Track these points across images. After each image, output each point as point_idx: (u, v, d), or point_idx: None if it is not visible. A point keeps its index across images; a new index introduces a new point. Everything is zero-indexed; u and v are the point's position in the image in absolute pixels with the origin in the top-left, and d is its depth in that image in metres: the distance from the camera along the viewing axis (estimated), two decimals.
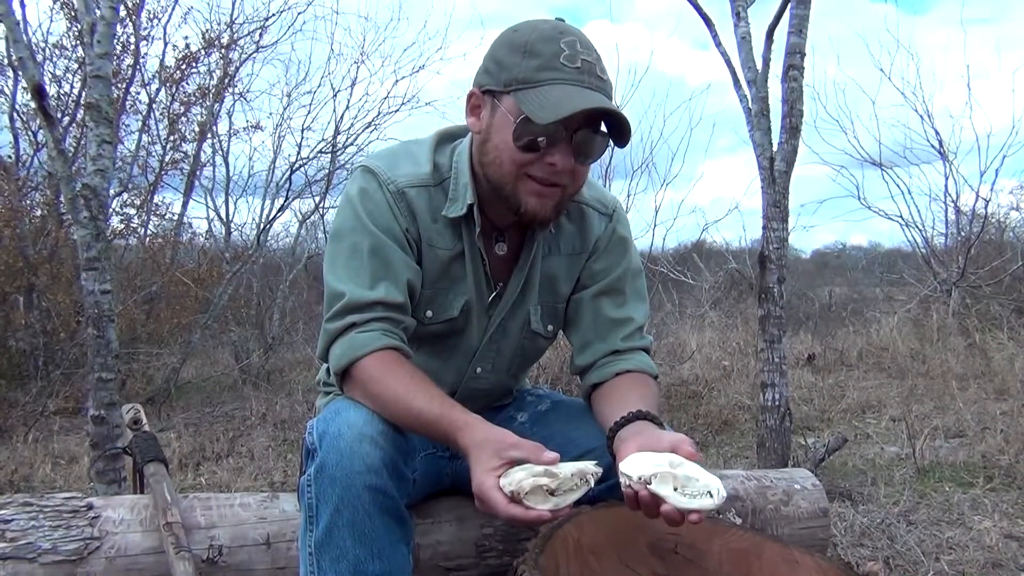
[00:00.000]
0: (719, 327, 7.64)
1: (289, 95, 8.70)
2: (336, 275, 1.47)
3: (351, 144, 8.57)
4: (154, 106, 7.80)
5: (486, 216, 1.52)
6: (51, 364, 5.88)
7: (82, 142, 6.23)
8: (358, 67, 8.65)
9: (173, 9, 7.75)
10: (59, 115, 6.70)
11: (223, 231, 8.93)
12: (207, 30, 8.00)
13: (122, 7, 6.42)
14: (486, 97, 1.44)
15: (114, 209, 7.20)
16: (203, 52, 7.92)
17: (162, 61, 7.84)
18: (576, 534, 1.28)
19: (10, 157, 7.11)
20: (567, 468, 1.22)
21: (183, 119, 8.01)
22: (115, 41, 5.84)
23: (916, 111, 8.25)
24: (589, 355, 1.62)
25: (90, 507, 1.56)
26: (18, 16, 5.46)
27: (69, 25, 7.04)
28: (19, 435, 4.67)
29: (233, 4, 9.12)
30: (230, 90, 8.30)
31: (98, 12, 2.81)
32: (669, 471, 1.18)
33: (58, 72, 7.14)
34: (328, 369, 1.55)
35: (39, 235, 6.27)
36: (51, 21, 9.29)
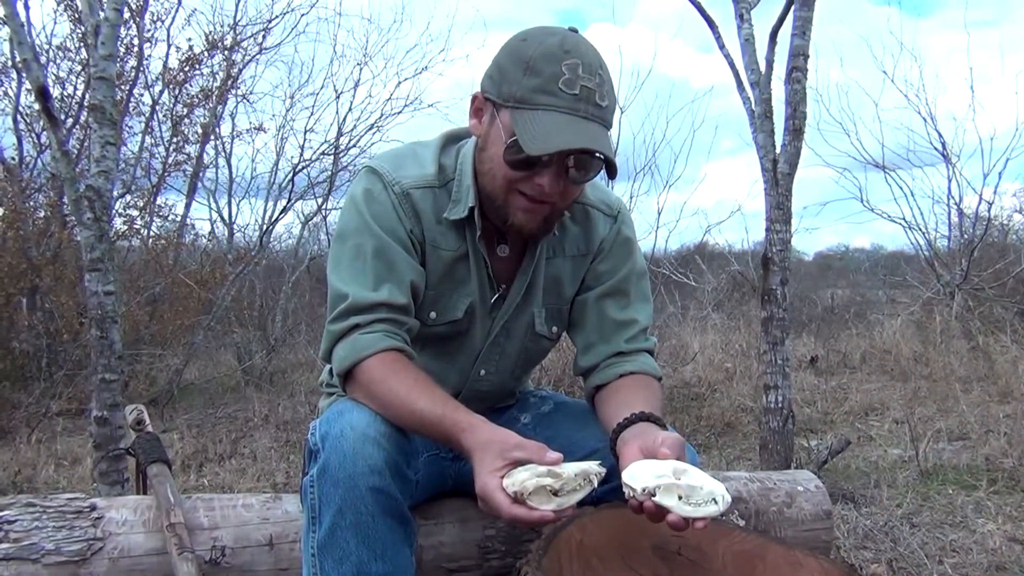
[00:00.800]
0: (722, 329, 7.63)
1: (292, 97, 8.72)
2: (340, 276, 1.47)
3: (354, 146, 8.59)
4: (157, 108, 7.81)
5: (488, 218, 1.52)
6: (54, 365, 5.89)
7: (86, 144, 6.23)
8: (361, 69, 8.65)
9: (177, 11, 7.77)
10: (63, 117, 6.71)
11: (226, 233, 8.95)
12: (210, 32, 8.03)
13: (126, 9, 6.42)
14: (488, 104, 1.44)
15: (117, 211, 7.21)
16: (206, 54, 7.93)
17: (165, 63, 7.86)
18: (579, 535, 1.28)
19: (14, 159, 7.12)
20: (570, 468, 1.22)
21: (186, 121, 8.02)
22: (119, 43, 5.85)
23: (919, 113, 8.25)
24: (593, 357, 1.62)
25: (93, 508, 1.56)
26: (22, 18, 5.47)
27: (73, 27, 7.06)
28: (22, 436, 4.68)
29: (236, 6, 9.13)
30: (233, 92, 8.32)
31: (102, 14, 2.81)
32: (673, 482, 1.18)
33: (62, 74, 7.16)
34: (331, 370, 1.55)
35: (43, 236, 6.27)
36: (55, 23, 9.29)
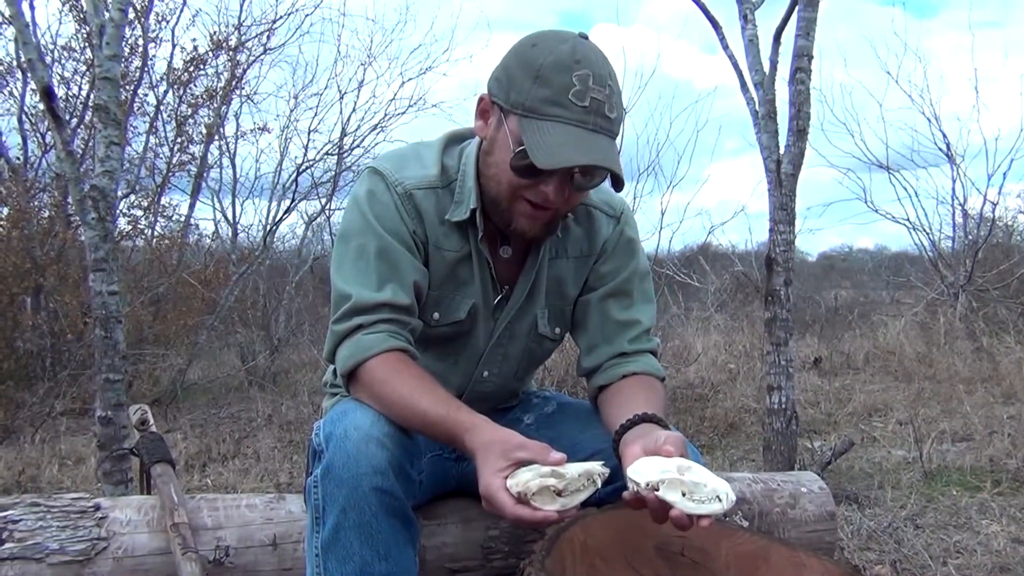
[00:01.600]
0: (725, 330, 7.63)
1: (296, 97, 8.73)
2: (343, 276, 1.47)
3: (357, 146, 8.60)
4: (162, 108, 7.82)
5: (490, 220, 1.52)
6: (58, 365, 5.90)
7: (90, 144, 6.24)
8: (365, 69, 8.66)
9: (181, 11, 7.77)
10: (67, 117, 6.72)
11: (230, 233, 8.96)
12: (215, 32, 8.02)
13: (131, 10, 6.44)
14: (494, 107, 1.43)
15: (121, 211, 7.22)
16: (211, 54, 7.94)
17: (170, 63, 7.86)
18: (583, 536, 1.28)
19: (19, 158, 7.14)
20: (574, 469, 1.22)
21: (190, 121, 8.02)
22: (123, 43, 5.87)
23: (923, 114, 8.25)
24: (596, 357, 1.62)
25: (97, 508, 1.56)
26: (27, 18, 5.49)
27: (78, 27, 7.07)
28: (26, 436, 4.69)
29: (241, 6, 9.17)
30: (237, 92, 8.33)
31: (107, 14, 2.82)
32: (677, 477, 1.18)
33: (67, 74, 7.17)
34: (335, 370, 1.55)
35: (47, 236, 6.28)
36: (60, 24, 9.29)
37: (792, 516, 1.92)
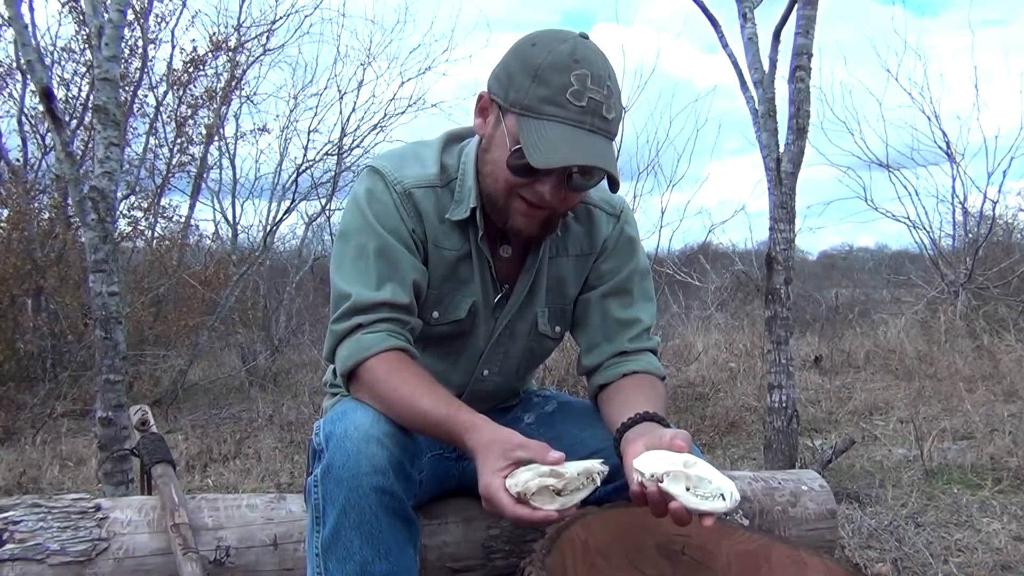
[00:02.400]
0: (725, 329, 7.62)
1: (295, 97, 8.73)
2: (342, 276, 1.47)
3: (357, 146, 8.59)
4: (161, 109, 7.82)
5: (490, 219, 1.52)
6: (59, 366, 5.90)
7: (90, 145, 6.24)
8: (364, 69, 8.65)
9: (181, 12, 7.78)
10: (67, 118, 6.72)
11: (230, 233, 8.96)
12: (214, 33, 8.02)
13: (130, 11, 6.44)
14: (493, 105, 1.43)
15: (121, 212, 7.22)
16: (210, 55, 7.94)
17: (169, 64, 7.87)
18: (584, 535, 1.28)
19: (19, 160, 7.14)
20: (573, 467, 1.22)
21: (190, 122, 8.02)
22: (123, 44, 5.87)
23: (923, 112, 8.22)
24: (596, 356, 1.62)
25: (98, 508, 1.56)
26: (27, 20, 5.49)
27: (77, 29, 7.07)
28: (27, 437, 4.69)
29: (240, 7, 9.14)
30: (237, 93, 8.33)
31: (106, 16, 2.82)
32: (682, 470, 1.18)
33: (66, 75, 7.17)
34: (334, 370, 1.55)
35: (47, 238, 6.29)
36: (59, 25, 9.30)
37: (793, 514, 1.92)
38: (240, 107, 8.57)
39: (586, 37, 1.40)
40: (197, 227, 8.79)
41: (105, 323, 2.78)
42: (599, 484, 1.24)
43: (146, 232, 7.73)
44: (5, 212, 6.42)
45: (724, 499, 1.16)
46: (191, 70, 7.84)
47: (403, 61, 10.44)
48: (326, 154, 8.52)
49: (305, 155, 8.51)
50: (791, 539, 1.69)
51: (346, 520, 1.29)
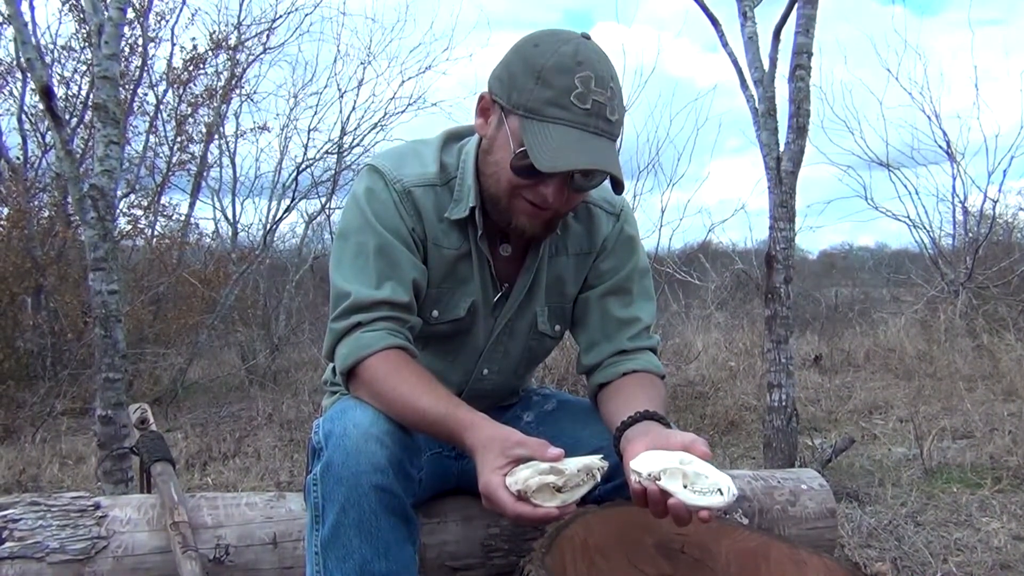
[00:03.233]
0: (725, 328, 7.62)
1: (296, 96, 8.73)
2: (342, 274, 1.47)
3: (357, 145, 8.59)
4: (161, 107, 7.83)
5: (490, 218, 1.52)
6: (59, 364, 5.90)
7: (90, 143, 6.25)
8: (364, 68, 8.66)
9: (181, 11, 7.78)
10: (67, 116, 6.72)
11: (230, 232, 8.96)
12: (214, 32, 8.03)
13: (130, 9, 6.44)
14: (495, 106, 1.43)
15: (121, 210, 7.22)
16: (210, 53, 7.94)
17: (169, 62, 7.87)
18: (583, 534, 1.28)
19: (19, 158, 7.13)
20: (573, 464, 1.22)
21: (190, 120, 8.03)
22: (123, 43, 5.85)
23: (924, 112, 8.22)
24: (596, 355, 1.62)
25: (97, 507, 1.56)
26: (27, 18, 5.49)
27: (77, 27, 7.07)
28: (27, 435, 4.69)
29: (240, 6, 9.19)
30: (237, 91, 8.33)
31: (106, 13, 2.82)
32: (679, 467, 1.18)
33: (66, 74, 7.17)
34: (334, 369, 1.55)
35: (47, 236, 6.28)
36: (60, 23, 9.27)
37: (792, 513, 1.92)
38: (240, 105, 8.59)
39: (588, 38, 1.40)
40: (197, 225, 8.80)
41: (105, 321, 2.78)
42: (599, 480, 1.24)
43: (146, 230, 7.74)
44: (5, 210, 6.43)
45: (722, 494, 1.16)
46: (191, 68, 7.85)
47: (403, 60, 10.45)
48: (326, 153, 8.53)
49: (305, 154, 8.53)
50: (790, 538, 1.69)
51: (345, 518, 1.29)
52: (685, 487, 1.17)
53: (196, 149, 8.16)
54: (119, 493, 2.58)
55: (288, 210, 8.41)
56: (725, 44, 3.71)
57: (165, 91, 7.86)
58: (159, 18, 7.66)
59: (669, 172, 7.80)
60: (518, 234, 1.50)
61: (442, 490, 1.66)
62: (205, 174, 8.42)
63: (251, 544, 1.58)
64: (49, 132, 6.79)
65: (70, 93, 7.08)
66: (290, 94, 8.84)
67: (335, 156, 8.50)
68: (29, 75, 5.67)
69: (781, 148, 3.37)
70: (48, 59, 6.93)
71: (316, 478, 1.33)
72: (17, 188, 6.51)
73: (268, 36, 8.28)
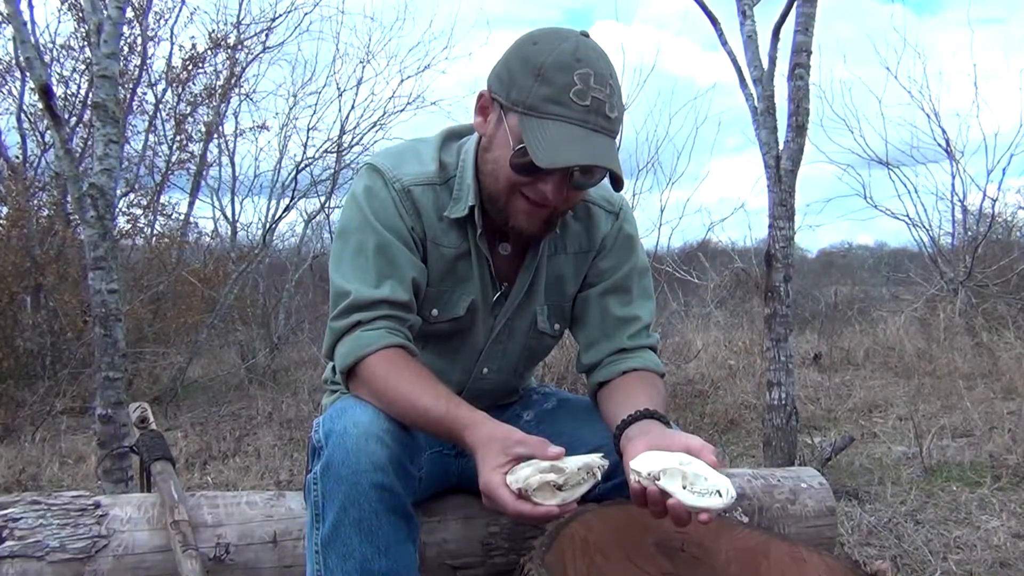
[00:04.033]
0: (725, 326, 7.63)
1: (295, 95, 8.71)
2: (342, 273, 1.47)
3: (357, 144, 8.57)
4: (161, 106, 7.81)
5: (489, 217, 1.52)
6: (58, 363, 5.90)
7: (89, 142, 6.24)
8: (364, 67, 8.62)
9: (180, 10, 7.76)
10: (66, 115, 6.71)
11: (229, 231, 8.95)
12: (214, 31, 8.00)
13: (129, 8, 6.43)
14: (494, 104, 1.43)
15: (121, 209, 7.21)
16: (210, 53, 7.92)
17: (169, 61, 7.85)
18: (583, 532, 1.28)
19: (18, 157, 7.12)
20: (573, 462, 1.22)
21: (189, 119, 8.01)
22: (122, 42, 5.85)
23: (923, 110, 8.23)
24: (595, 353, 1.62)
25: (97, 505, 1.56)
26: (25, 17, 5.48)
27: (76, 26, 7.06)
28: (27, 434, 4.69)
29: (240, 5, 9.17)
30: (236, 90, 8.31)
31: (105, 12, 2.82)
32: (678, 468, 1.18)
33: (65, 73, 7.15)
34: (334, 367, 1.55)
35: (46, 235, 6.28)
36: (59, 22, 9.29)
37: (792, 512, 1.92)
38: (239, 104, 8.57)
39: (587, 36, 1.40)
40: (196, 225, 8.78)
41: (104, 320, 2.78)
42: (599, 478, 1.24)
43: (145, 230, 7.73)
44: (4, 209, 6.41)
45: (720, 496, 1.16)
46: (190, 67, 7.83)
47: (402, 59, 10.40)
48: (325, 152, 8.51)
49: (304, 153, 8.51)
50: (790, 536, 1.70)
51: (346, 517, 1.29)
52: (684, 487, 1.17)
53: (195, 148, 8.16)
54: (119, 492, 2.58)
55: (287, 209, 8.41)
56: (724, 43, 3.71)
57: (164, 90, 7.85)
58: (158, 17, 7.65)
59: (668, 171, 7.80)
60: (516, 233, 1.49)
61: (442, 489, 1.66)
62: (204, 173, 8.42)
63: (251, 543, 1.58)
64: (48, 131, 6.78)
65: (69, 92, 7.07)
66: (289, 93, 8.82)
67: (334, 155, 8.49)
68: (28, 74, 5.68)
69: (780, 147, 3.37)
70: (47, 58, 6.91)
71: (316, 477, 1.33)
72: (16, 187, 6.50)
73: (267, 35, 8.27)
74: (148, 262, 7.34)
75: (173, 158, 7.90)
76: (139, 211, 7.68)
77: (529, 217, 1.45)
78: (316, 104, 8.65)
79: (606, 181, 1.44)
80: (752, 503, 1.89)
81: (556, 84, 1.34)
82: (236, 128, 8.75)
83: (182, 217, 8.23)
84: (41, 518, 1.50)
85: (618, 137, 1.46)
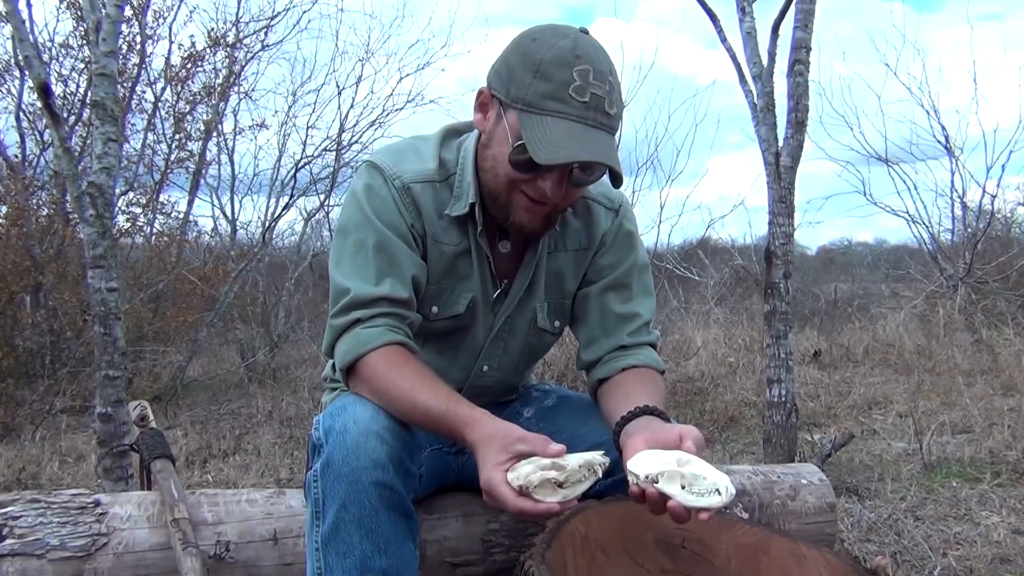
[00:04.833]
0: (724, 323, 7.62)
1: (294, 93, 8.72)
2: (341, 271, 1.47)
3: (356, 142, 8.59)
4: (160, 105, 7.82)
5: (489, 214, 1.52)
6: (58, 362, 5.90)
7: (88, 141, 6.23)
8: (363, 65, 8.64)
9: (179, 8, 7.76)
10: (65, 114, 6.71)
11: (228, 229, 8.97)
12: (213, 29, 8.02)
13: (128, 6, 6.42)
14: (494, 100, 1.43)
15: (120, 208, 7.22)
16: (209, 51, 7.93)
17: (168, 60, 7.87)
18: (583, 529, 1.28)
19: (17, 156, 7.13)
20: (574, 460, 1.22)
21: (189, 118, 8.02)
22: (121, 40, 5.84)
23: (922, 107, 8.27)
24: (595, 351, 1.62)
25: (97, 504, 1.56)
26: (24, 15, 5.47)
27: (75, 24, 7.06)
28: (27, 433, 4.69)
29: (239, 3, 9.10)
30: (235, 89, 8.32)
31: (104, 11, 2.81)
32: (676, 469, 1.18)
33: (64, 71, 7.16)
34: (334, 365, 1.55)
35: (45, 234, 6.28)
36: (57, 21, 9.28)
37: (792, 508, 1.92)
38: (238, 103, 8.58)
39: (586, 32, 1.40)
40: (196, 223, 8.81)
41: (104, 319, 2.78)
42: (600, 476, 1.24)
43: (145, 228, 7.73)
44: (4, 208, 6.43)
45: (720, 494, 1.16)
46: (189, 66, 7.84)
47: (402, 57, 10.42)
48: (325, 150, 8.52)
49: (304, 151, 8.52)
50: (790, 532, 1.70)
51: (346, 515, 1.29)
52: (683, 488, 1.17)
53: (194, 147, 8.17)
54: (119, 490, 2.58)
55: (287, 207, 8.41)
56: (724, 39, 3.71)
57: (163, 88, 7.86)
58: (157, 15, 7.66)
59: (668, 168, 7.82)
60: (516, 229, 1.49)
61: (442, 486, 1.66)
62: (204, 171, 8.43)
63: (251, 541, 1.58)
64: (47, 130, 6.78)
65: (68, 91, 7.08)
66: (288, 91, 8.84)
67: (334, 153, 8.49)
68: (27, 73, 5.67)
69: (780, 143, 3.37)
70: (46, 57, 6.92)
71: (316, 474, 1.33)
72: (16, 186, 6.51)
73: (266, 33, 8.28)
74: (148, 261, 7.35)
75: (172, 156, 7.91)
76: (138, 210, 7.70)
77: (529, 214, 1.45)
78: (315, 102, 8.67)
79: (606, 178, 1.44)
80: (752, 500, 1.89)
81: (555, 80, 1.33)
82: (235, 126, 8.78)
83: (181, 216, 8.25)
84: (41, 516, 1.50)
85: (618, 134, 1.46)
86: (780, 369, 3.34)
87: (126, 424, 2.72)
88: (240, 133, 8.81)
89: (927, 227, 8.35)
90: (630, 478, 1.22)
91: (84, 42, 6.85)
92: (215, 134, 8.39)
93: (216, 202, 8.92)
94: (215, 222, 9.07)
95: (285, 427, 4.79)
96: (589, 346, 1.63)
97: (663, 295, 8.14)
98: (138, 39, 7.30)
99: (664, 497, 1.18)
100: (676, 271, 8.54)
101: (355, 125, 8.53)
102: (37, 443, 4.46)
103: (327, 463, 1.31)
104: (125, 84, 7.08)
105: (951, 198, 8.28)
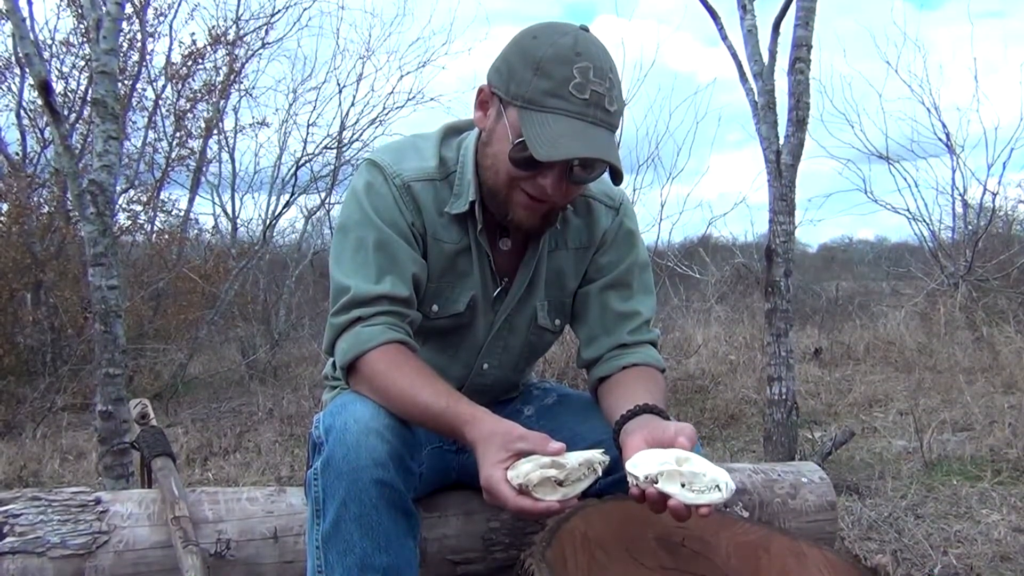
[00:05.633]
0: (725, 321, 7.62)
1: (295, 91, 8.72)
2: (342, 269, 1.47)
3: (356, 140, 8.60)
4: (160, 103, 7.81)
5: (489, 212, 1.52)
6: (59, 360, 5.91)
7: (89, 139, 6.24)
8: (363, 63, 8.64)
9: (179, 6, 7.76)
10: (66, 112, 6.71)
11: (229, 227, 8.98)
12: (213, 27, 8.01)
13: (129, 4, 6.43)
14: (494, 98, 1.43)
15: (121, 205, 7.23)
16: (209, 49, 7.92)
17: (168, 58, 7.87)
18: (583, 527, 1.28)
19: (18, 154, 7.13)
20: (574, 458, 1.22)
21: (189, 116, 8.02)
22: (122, 38, 5.84)
23: (923, 104, 8.23)
24: (596, 349, 1.61)
25: (98, 501, 1.56)
26: (25, 13, 5.47)
27: (76, 22, 7.05)
28: (27, 431, 4.70)
29: (239, 1, 9.12)
30: (236, 86, 8.32)
31: (104, 8, 2.81)
32: (675, 468, 1.18)
33: (65, 69, 7.16)
34: (334, 363, 1.55)
35: (46, 232, 6.28)
36: (58, 18, 9.28)
37: (792, 506, 1.92)
38: (239, 101, 8.58)
39: (587, 30, 1.40)
40: (196, 221, 8.82)
41: (105, 317, 2.78)
42: (600, 474, 1.24)
43: (145, 226, 7.74)
44: (4, 206, 6.42)
45: (720, 490, 1.16)
46: (190, 64, 7.83)
47: (402, 54, 10.42)
48: (325, 148, 8.53)
49: (304, 149, 8.53)
50: (791, 531, 1.69)
51: (346, 513, 1.29)
52: (683, 486, 1.17)
53: (195, 144, 8.17)
54: (120, 488, 2.59)
55: (287, 205, 8.43)
56: (724, 37, 3.70)
57: (164, 86, 7.86)
58: (157, 13, 7.65)
59: (669, 166, 7.81)
60: (516, 227, 1.49)
61: (442, 484, 1.66)
62: (204, 169, 8.43)
63: (252, 539, 1.58)
64: (48, 128, 6.78)
65: (69, 88, 7.07)
66: (289, 89, 8.84)
67: (334, 151, 8.50)
68: (27, 70, 5.67)
69: (781, 141, 3.37)
70: (46, 54, 6.92)
71: (317, 473, 1.33)
72: (16, 184, 6.51)
73: (267, 31, 8.28)
74: (148, 258, 7.36)
75: (173, 154, 7.91)
76: (139, 207, 7.71)
77: (529, 212, 1.45)
78: (316, 100, 8.68)
79: (606, 176, 1.44)
80: (753, 498, 1.89)
81: (555, 77, 1.33)
82: (236, 124, 8.78)
83: (182, 213, 8.26)
84: (42, 514, 1.50)
85: (618, 131, 1.46)
86: (781, 367, 3.34)
87: (127, 422, 2.73)
88: (241, 131, 8.84)
89: (928, 225, 8.36)
90: (630, 479, 1.22)
91: (85, 39, 6.85)
92: (216, 132, 8.40)
93: (217, 200, 8.95)
94: (216, 220, 9.10)
95: (286, 425, 4.80)
96: (589, 344, 1.63)
97: (664, 293, 8.14)
98: (139, 37, 7.31)
99: (664, 496, 1.18)
100: (677, 269, 8.53)
101: (356, 123, 8.56)
102: (38, 441, 4.47)
103: (327, 461, 1.31)
104: (126, 82, 7.09)
105: (952, 196, 8.27)
